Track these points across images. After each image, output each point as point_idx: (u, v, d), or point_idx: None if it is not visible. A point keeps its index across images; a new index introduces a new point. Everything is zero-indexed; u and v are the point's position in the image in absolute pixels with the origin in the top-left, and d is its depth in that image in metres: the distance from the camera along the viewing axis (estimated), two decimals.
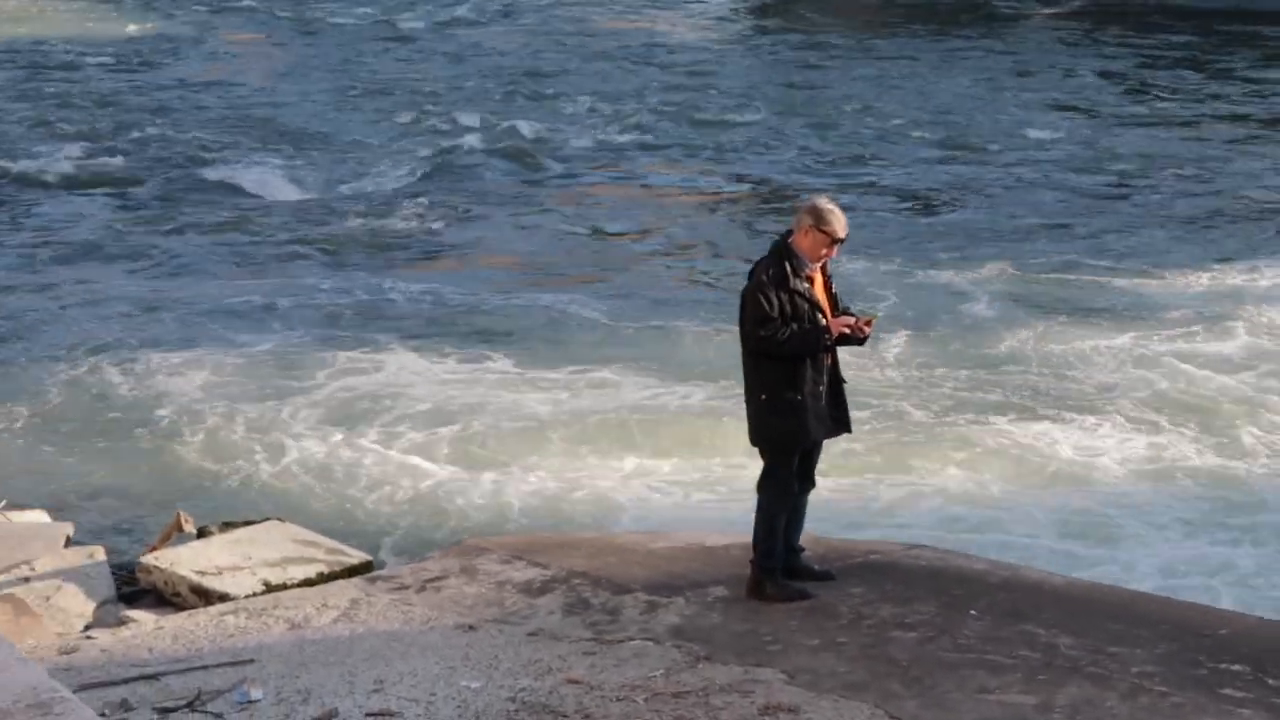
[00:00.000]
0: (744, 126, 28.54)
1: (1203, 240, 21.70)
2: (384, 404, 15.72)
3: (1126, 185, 24.57)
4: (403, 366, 16.73)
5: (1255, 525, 13.19)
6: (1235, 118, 29.26)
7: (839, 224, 9.20)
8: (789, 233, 9.35)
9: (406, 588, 9.87)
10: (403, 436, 14.97)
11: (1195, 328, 17.97)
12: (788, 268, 9.21)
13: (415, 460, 14.47)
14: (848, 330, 9.29)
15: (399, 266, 20.58)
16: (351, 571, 10.36)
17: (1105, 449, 14.70)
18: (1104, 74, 33.59)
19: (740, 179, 25.48)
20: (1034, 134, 27.77)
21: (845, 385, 9.58)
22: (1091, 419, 15.31)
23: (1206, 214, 23.00)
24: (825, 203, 9.28)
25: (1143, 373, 16.58)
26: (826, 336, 9.23)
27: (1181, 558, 12.57)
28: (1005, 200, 23.79)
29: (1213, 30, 38.41)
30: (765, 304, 9.14)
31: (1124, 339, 17.58)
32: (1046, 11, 42.22)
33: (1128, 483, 14.02)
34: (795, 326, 9.17)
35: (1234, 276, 20.06)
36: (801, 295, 9.22)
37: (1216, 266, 20.44)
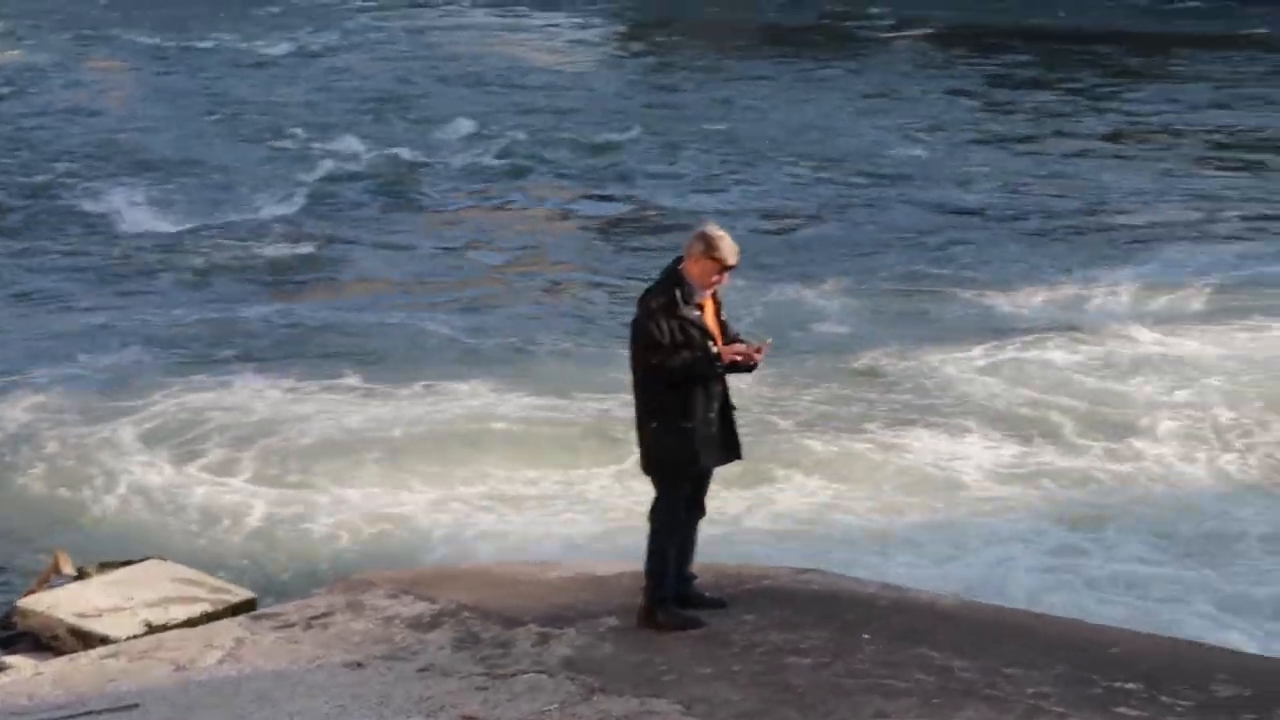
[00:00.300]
0: (611, 149, 28.49)
1: (1049, 253, 21.94)
2: (253, 435, 15.50)
3: (978, 201, 24.81)
4: (271, 395, 16.52)
5: (1116, 531, 13.34)
6: (1077, 134, 29.66)
7: (729, 251, 9.17)
8: (679, 260, 9.30)
9: (292, 625, 9.70)
10: (276, 468, 14.78)
11: (1046, 336, 18.20)
12: (678, 295, 9.17)
13: (293, 492, 14.29)
14: (739, 358, 9.25)
15: (266, 292, 20.36)
16: (235, 610, 10.18)
17: (969, 460, 14.84)
18: (956, 93, 33.89)
19: (607, 200, 25.45)
20: (891, 152, 27.95)
21: (735, 411, 9.54)
22: (949, 432, 15.45)
23: (1053, 227, 23.29)
24: (715, 230, 9.25)
25: (995, 381, 16.74)
26: (718, 363, 9.18)
27: (1051, 566, 12.67)
28: (862, 217, 23.95)
29: (1056, 50, 39.00)
30: (656, 331, 9.09)
31: (976, 350, 17.76)
32: (903, 35, 42.75)
33: (994, 493, 14.14)
34: (686, 354, 9.13)
35: (1077, 287, 20.31)
36: (692, 323, 9.18)
37: (1062, 278, 20.68)
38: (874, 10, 45.85)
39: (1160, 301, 19.71)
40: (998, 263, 21.40)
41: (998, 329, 18.52)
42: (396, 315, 19.25)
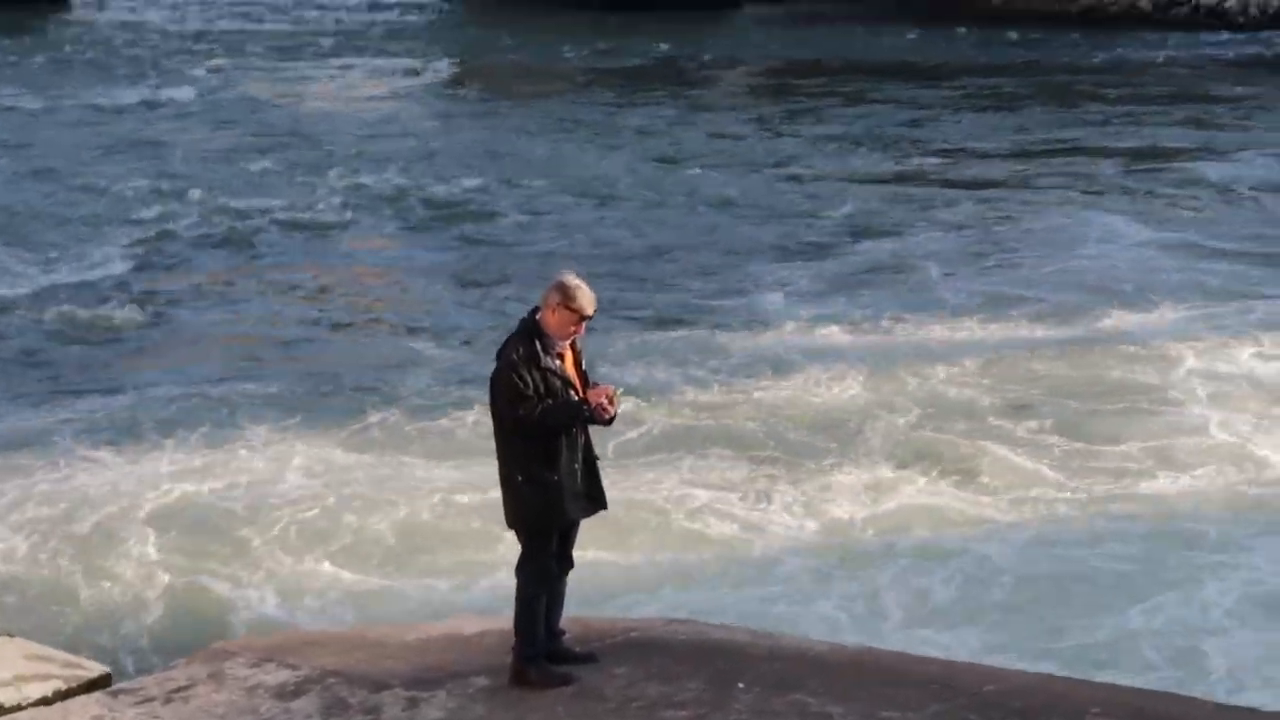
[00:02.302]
0: (447, 197, 28.35)
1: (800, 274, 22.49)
2: (92, 505, 14.96)
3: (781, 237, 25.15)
4: (109, 463, 16.04)
5: (918, 566, 13.41)
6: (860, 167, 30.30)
7: (587, 301, 9.10)
8: (536, 310, 9.20)
9: (152, 699, 9.42)
10: (120, 538, 14.25)
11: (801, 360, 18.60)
12: (538, 346, 9.08)
13: (140, 562, 13.84)
14: (599, 409, 9.15)
15: (98, 354, 19.87)
16: (90, 686, 9.85)
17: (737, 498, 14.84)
18: (771, 130, 34.65)
19: (447, 249, 25.26)
20: (706, 188, 28.45)
21: (599, 461, 9.45)
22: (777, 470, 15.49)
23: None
24: (572, 280, 9.17)
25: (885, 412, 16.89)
26: (585, 409, 9.08)
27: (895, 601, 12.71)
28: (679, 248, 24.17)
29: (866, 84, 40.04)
30: (519, 383, 8.99)
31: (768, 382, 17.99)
32: (723, 74, 43.61)
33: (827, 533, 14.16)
34: (550, 403, 9.03)
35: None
36: (554, 373, 9.09)
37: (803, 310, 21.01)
38: (700, 53, 46.67)
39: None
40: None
41: (752, 363, 18.77)
42: (238, 374, 18.86)
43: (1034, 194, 28.10)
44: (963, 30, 49.32)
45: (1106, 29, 49.29)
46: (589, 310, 9.15)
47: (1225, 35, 47.52)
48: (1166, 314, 20.54)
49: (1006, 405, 17.08)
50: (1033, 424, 16.50)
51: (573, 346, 9.32)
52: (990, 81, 40.64)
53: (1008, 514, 14.43)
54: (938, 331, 19.81)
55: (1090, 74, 41.74)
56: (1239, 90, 38.47)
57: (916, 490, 14.94)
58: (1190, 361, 18.36)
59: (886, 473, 15.31)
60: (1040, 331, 19.80)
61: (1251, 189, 27.99)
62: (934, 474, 15.26)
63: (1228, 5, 49.95)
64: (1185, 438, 16.12)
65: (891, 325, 20.15)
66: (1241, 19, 49.17)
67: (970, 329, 19.93)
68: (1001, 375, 18.00)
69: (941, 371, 18.12)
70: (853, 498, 14.74)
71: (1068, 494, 14.83)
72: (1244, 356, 18.63)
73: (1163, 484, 15.05)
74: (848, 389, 17.71)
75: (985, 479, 15.16)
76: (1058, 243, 24.53)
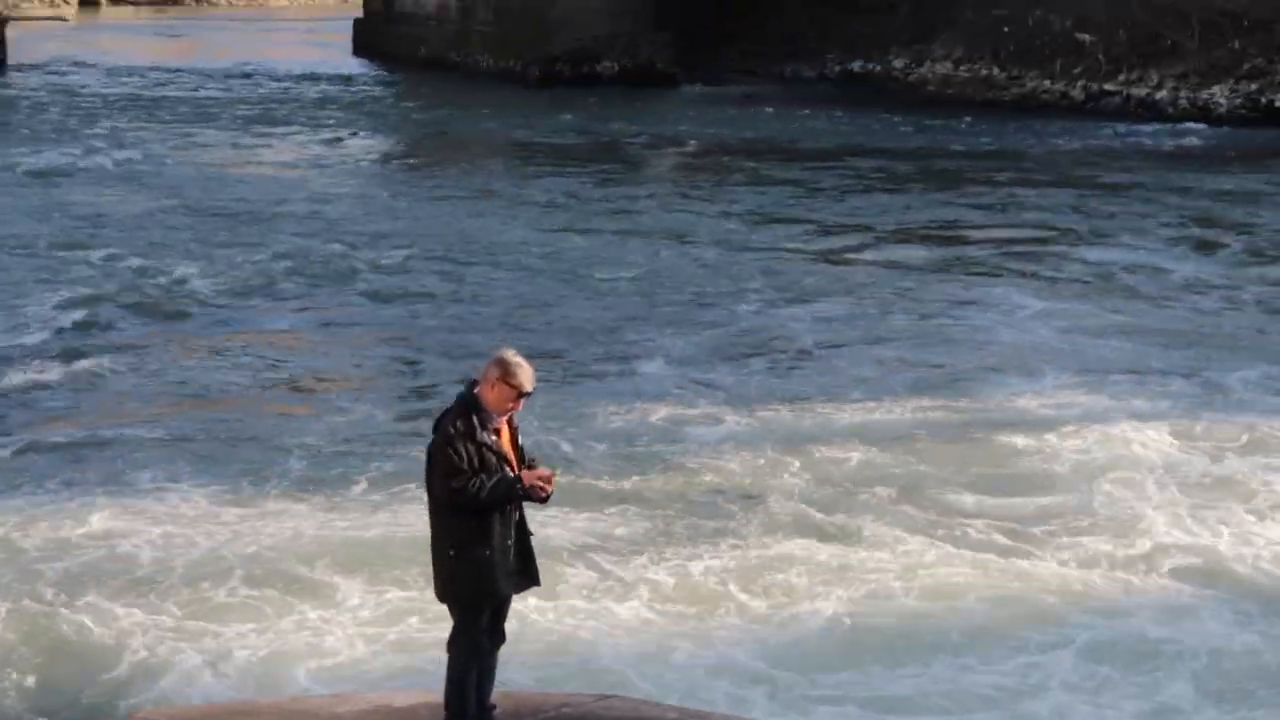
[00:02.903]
0: (380, 268, 28.37)
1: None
2: (11, 567, 14.83)
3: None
4: (30, 525, 15.84)
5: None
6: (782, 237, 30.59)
7: (526, 378, 9.13)
8: (474, 384, 9.22)
9: None
10: (43, 601, 14.08)
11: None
12: (475, 420, 9.09)
13: (64, 627, 13.65)
14: (539, 483, 9.16)
15: (12, 420, 19.68)
16: None
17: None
18: (682, 205, 35.40)
19: (378, 320, 25.26)
20: (638, 260, 28.77)
21: (532, 537, 9.45)
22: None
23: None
24: (512, 356, 9.20)
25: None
26: (519, 487, 9.08)
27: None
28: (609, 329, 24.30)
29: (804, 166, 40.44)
30: (456, 457, 8.99)
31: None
32: (662, 152, 44.06)
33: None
34: (485, 478, 9.02)
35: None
36: (489, 448, 9.10)
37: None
38: (632, 130, 47.08)
39: None
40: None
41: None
42: (158, 442, 18.69)
43: (926, 272, 28.61)
44: (895, 117, 49.88)
45: (1040, 116, 49.91)
46: (528, 387, 9.18)
47: (1153, 126, 48.18)
48: (1049, 385, 20.85)
49: (890, 477, 17.24)
50: (916, 495, 16.63)
51: (509, 422, 9.33)
52: (902, 165, 41.39)
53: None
54: (817, 405, 19.98)
55: (1001, 159, 42.46)
56: (1139, 178, 39.24)
57: (822, 561, 14.95)
58: (1071, 435, 18.59)
59: (791, 545, 15.31)
60: (924, 402, 20.07)
61: (1125, 269, 28.57)
62: (839, 544, 15.33)
63: (1158, 97, 50.64)
64: (1068, 512, 16.27)
65: (770, 397, 20.33)
66: (1171, 109, 49.84)
67: (852, 402, 20.19)
68: (885, 448, 18.17)
69: (823, 447, 18.23)
70: (756, 573, 14.70)
71: (957, 562, 14.92)
72: (1126, 430, 18.86)
73: (1040, 557, 15.20)
74: (734, 461, 17.81)
75: (875, 550, 15.21)
76: (944, 315, 25.11)
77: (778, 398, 20.29)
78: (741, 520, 15.89)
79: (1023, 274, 28.32)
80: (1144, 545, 15.33)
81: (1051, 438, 18.41)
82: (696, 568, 14.69)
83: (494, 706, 9.50)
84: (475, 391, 9.19)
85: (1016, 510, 16.25)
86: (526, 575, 9.39)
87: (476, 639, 9.24)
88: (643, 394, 20.46)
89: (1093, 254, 30.03)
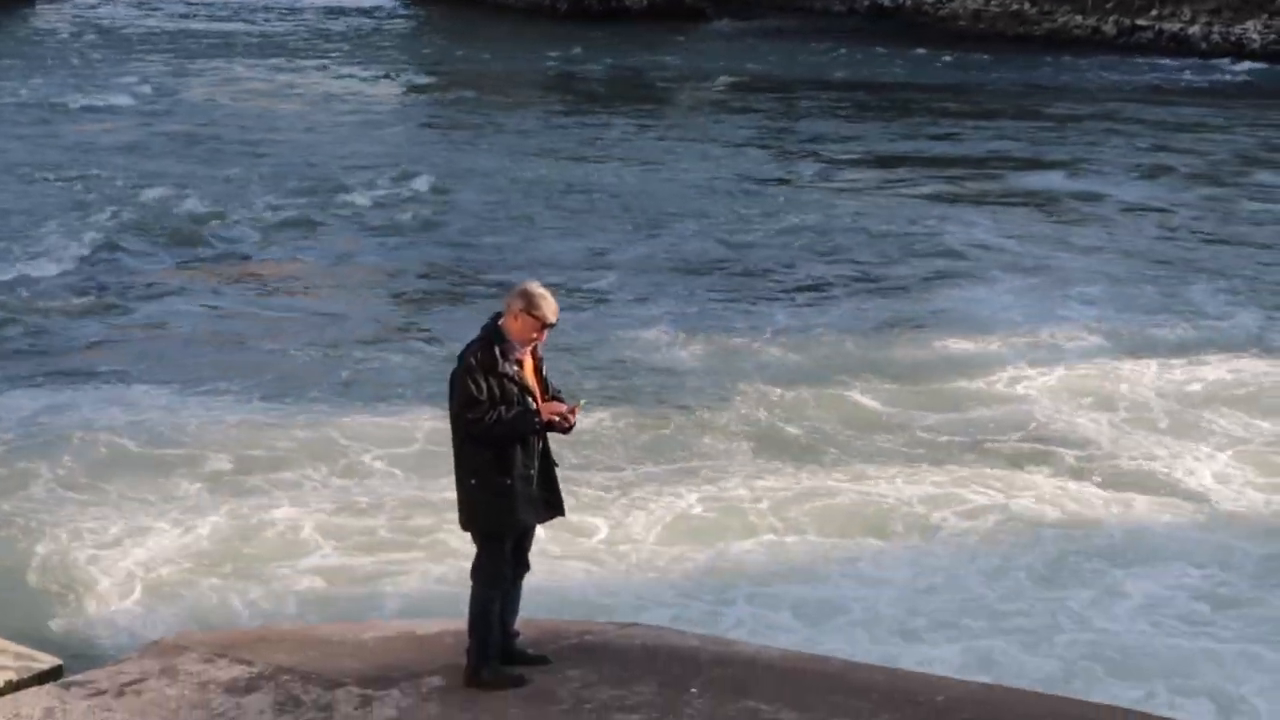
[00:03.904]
0: (409, 200, 28.42)
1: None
2: (44, 497, 14.98)
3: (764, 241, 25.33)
4: (52, 453, 16.01)
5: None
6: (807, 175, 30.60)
7: (549, 309, 9.15)
8: (498, 315, 9.25)
9: (103, 693, 9.40)
10: (71, 528, 14.26)
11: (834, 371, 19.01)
12: (497, 352, 9.11)
13: (93, 553, 13.81)
14: (556, 418, 9.20)
15: (49, 350, 19.81)
16: (41, 678, 9.81)
17: (763, 500, 14.99)
18: (736, 141, 34.99)
19: (405, 252, 25.30)
20: (682, 198, 28.53)
21: (557, 467, 9.49)
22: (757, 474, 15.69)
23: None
24: (536, 288, 9.22)
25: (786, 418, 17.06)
26: (536, 420, 9.12)
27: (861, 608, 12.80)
28: (653, 259, 24.29)
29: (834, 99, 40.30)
30: (473, 387, 9.02)
31: (774, 389, 18.22)
32: (695, 87, 43.89)
33: (790, 534, 14.32)
34: (504, 410, 9.06)
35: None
36: (510, 379, 9.11)
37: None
38: (662, 65, 46.96)
39: None
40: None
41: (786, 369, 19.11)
42: (191, 371, 18.84)
43: (944, 203, 29.05)
44: (924, 51, 49.59)
45: (1071, 51, 49.58)
46: (551, 318, 9.19)
47: (1184, 61, 47.90)
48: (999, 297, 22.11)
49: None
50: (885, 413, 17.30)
51: (533, 353, 9.36)
52: (926, 99, 41.45)
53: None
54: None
55: (1029, 95, 42.39)
56: (1163, 114, 39.13)
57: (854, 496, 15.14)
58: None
59: (823, 478, 15.47)
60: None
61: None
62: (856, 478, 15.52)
63: (1190, 32, 50.25)
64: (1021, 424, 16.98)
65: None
66: (1203, 45, 49.46)
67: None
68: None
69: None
70: (787, 502, 14.90)
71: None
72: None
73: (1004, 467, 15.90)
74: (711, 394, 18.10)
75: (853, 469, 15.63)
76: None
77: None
78: (727, 449, 16.28)
79: (1031, 203, 28.83)
80: (1094, 455, 16.06)
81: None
82: (695, 496, 14.95)
83: (517, 634, 9.56)
84: (499, 323, 9.22)
85: (976, 424, 17.01)
86: (550, 505, 9.42)
87: (499, 567, 9.28)
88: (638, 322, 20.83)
89: (1105, 187, 30.38)
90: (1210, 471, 15.83)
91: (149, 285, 22.96)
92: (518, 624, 9.59)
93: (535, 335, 9.21)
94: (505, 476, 9.14)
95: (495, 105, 40.53)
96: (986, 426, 17.06)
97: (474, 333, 9.37)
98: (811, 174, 31.60)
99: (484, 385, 9.06)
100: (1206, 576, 13.45)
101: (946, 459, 16.10)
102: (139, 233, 25.71)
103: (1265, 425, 17.15)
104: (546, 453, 9.39)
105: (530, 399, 9.18)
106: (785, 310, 21.81)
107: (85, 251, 24.49)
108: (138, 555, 13.70)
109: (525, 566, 9.49)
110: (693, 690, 9.08)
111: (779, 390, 18.03)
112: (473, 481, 9.21)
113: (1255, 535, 14.35)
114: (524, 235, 26.16)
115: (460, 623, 9.48)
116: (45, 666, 9.97)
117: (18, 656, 10.10)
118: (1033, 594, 13.08)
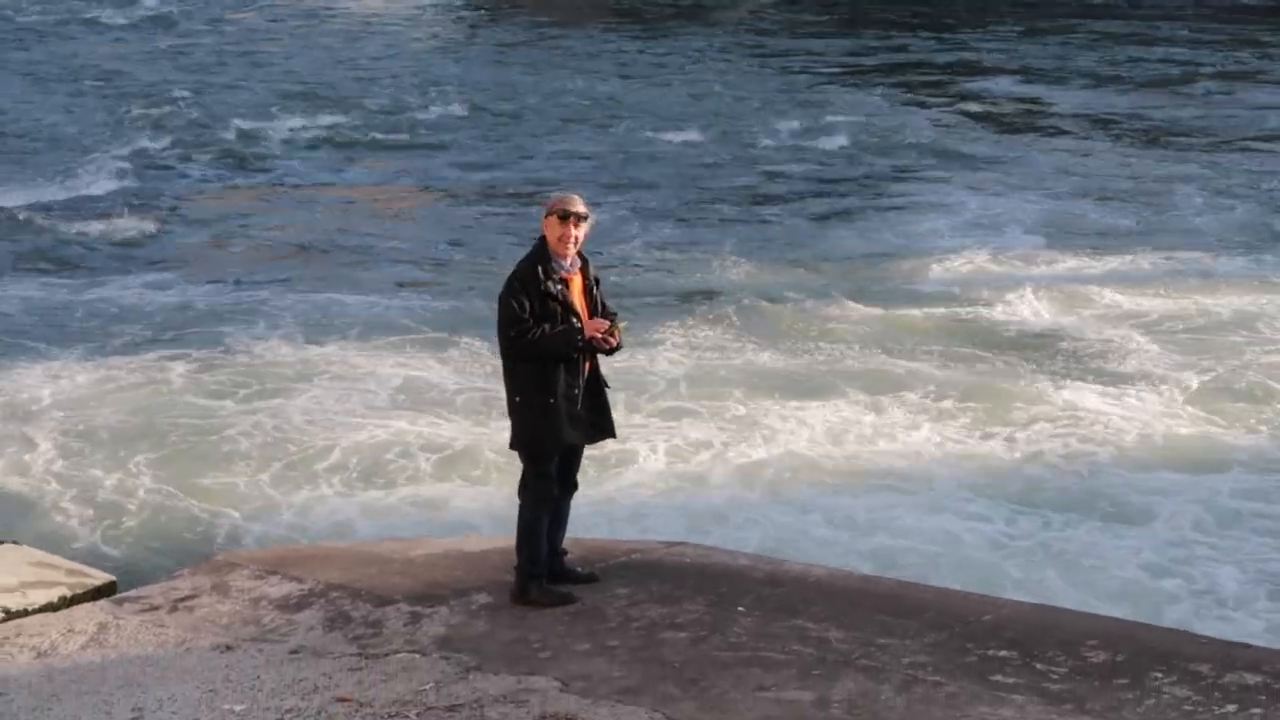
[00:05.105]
0: (456, 122, 28.39)
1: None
2: (97, 417, 15.07)
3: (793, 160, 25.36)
4: (114, 375, 16.13)
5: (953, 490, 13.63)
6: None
7: (570, 201, 9.17)
8: (544, 236, 9.23)
9: (157, 608, 9.50)
10: (124, 449, 14.36)
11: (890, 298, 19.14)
12: (539, 270, 9.10)
13: (146, 473, 13.92)
14: (598, 336, 9.15)
15: (100, 269, 19.94)
16: (95, 593, 9.93)
17: (817, 426, 14.98)
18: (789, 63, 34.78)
19: (454, 174, 25.31)
20: (739, 119, 28.50)
21: (609, 390, 9.47)
22: (812, 397, 15.66)
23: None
24: (558, 193, 9.23)
25: (869, 348, 17.05)
26: (579, 338, 9.09)
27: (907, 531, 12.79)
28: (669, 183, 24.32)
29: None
30: (515, 305, 9.03)
31: (831, 314, 18.35)
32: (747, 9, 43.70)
33: (843, 459, 14.32)
34: (546, 328, 9.05)
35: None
36: (554, 297, 9.09)
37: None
38: None
39: None
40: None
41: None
42: (241, 293, 18.94)
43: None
44: None
45: None
46: (572, 207, 9.13)
47: None
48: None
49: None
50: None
51: (584, 273, 9.31)
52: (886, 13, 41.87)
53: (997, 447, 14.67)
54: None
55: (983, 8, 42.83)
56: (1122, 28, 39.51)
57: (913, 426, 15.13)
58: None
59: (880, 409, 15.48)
60: None
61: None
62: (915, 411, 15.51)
63: None
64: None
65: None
66: None
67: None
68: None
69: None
70: (841, 431, 14.90)
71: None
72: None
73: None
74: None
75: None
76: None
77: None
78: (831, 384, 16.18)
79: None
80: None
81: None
82: (745, 421, 14.96)
83: (565, 552, 9.60)
84: (542, 239, 9.22)
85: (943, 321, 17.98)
86: (598, 427, 9.41)
87: (546, 486, 9.30)
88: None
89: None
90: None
91: (185, 207, 23.03)
92: (566, 542, 9.63)
93: (564, 233, 9.11)
94: (549, 395, 9.13)
95: (537, 24, 40.37)
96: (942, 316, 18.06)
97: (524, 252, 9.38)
98: (778, 85, 32.15)
99: (526, 304, 9.06)
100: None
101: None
102: (182, 153, 25.77)
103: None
104: (596, 374, 9.37)
105: (574, 318, 9.16)
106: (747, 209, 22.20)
107: (133, 169, 24.56)
108: (186, 475, 13.78)
109: (573, 486, 9.50)
110: (740, 609, 9.10)
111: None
112: (518, 399, 9.22)
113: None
114: (574, 154, 26.15)
115: (509, 541, 9.52)
116: (99, 582, 10.09)
117: (71, 573, 10.22)
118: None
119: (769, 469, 13.89)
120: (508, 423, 9.35)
